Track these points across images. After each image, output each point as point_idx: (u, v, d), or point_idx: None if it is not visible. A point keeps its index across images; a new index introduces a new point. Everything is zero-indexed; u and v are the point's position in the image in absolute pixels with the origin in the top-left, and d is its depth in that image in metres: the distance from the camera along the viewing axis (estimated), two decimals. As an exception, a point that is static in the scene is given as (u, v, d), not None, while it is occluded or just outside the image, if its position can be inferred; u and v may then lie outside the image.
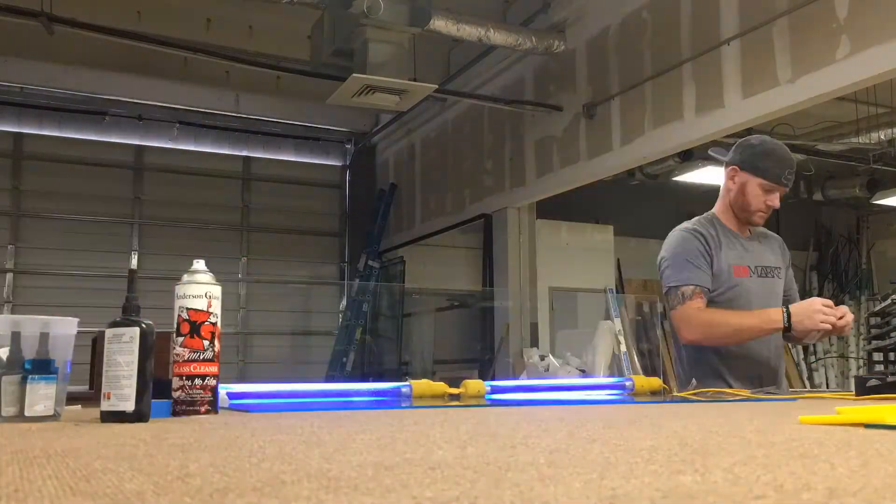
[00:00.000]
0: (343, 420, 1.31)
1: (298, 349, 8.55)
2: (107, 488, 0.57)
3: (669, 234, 2.47)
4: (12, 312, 7.47)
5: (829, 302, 2.25)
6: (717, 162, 2.60)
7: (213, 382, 1.37)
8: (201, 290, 1.36)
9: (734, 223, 2.47)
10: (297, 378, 8.07)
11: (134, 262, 7.90)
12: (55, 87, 7.43)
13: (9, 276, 7.52)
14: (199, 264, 1.38)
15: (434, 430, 1.07)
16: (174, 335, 1.36)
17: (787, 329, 2.23)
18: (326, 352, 8.41)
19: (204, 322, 1.36)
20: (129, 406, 1.23)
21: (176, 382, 1.36)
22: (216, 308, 1.38)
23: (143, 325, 1.27)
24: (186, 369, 1.35)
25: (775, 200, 2.39)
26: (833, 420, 1.14)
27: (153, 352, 1.28)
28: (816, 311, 2.21)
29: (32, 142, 7.77)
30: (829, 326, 2.20)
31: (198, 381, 1.35)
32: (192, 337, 1.35)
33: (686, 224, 2.48)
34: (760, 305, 2.33)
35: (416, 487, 0.56)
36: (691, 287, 2.31)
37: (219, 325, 1.38)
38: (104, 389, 1.26)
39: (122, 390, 1.24)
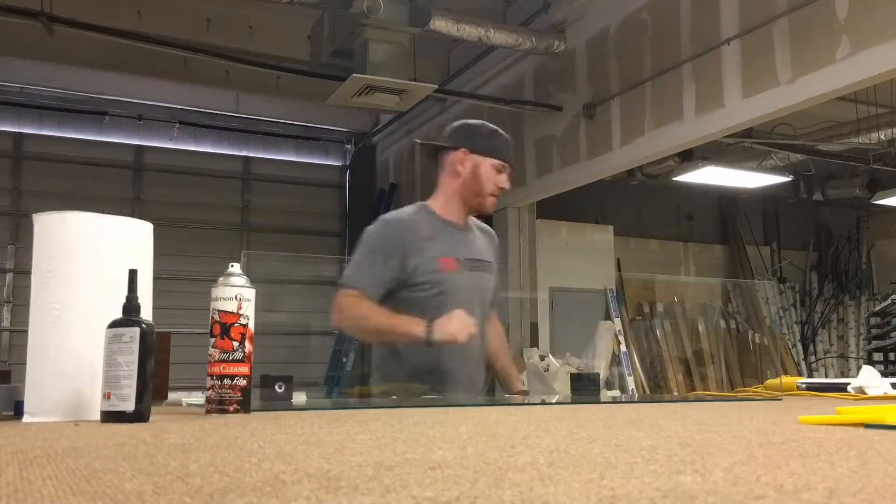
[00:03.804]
0: (343, 420, 1.31)
1: (298, 349, 8.53)
2: (107, 488, 0.57)
3: (376, 223, 2.35)
4: (12, 312, 7.48)
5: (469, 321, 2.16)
6: (426, 150, 2.49)
7: (242, 383, 1.41)
8: (232, 293, 1.41)
9: (456, 213, 2.36)
10: (298, 378, 8.09)
11: (134, 262, 7.89)
12: (55, 87, 7.42)
13: (9, 276, 7.52)
14: (234, 268, 1.43)
15: (434, 430, 1.07)
16: (209, 336, 1.42)
17: (429, 344, 2.13)
18: (326, 352, 8.41)
19: (234, 324, 1.40)
20: (129, 406, 1.23)
21: (208, 382, 1.41)
22: (247, 310, 1.42)
23: (143, 325, 1.27)
24: (217, 369, 1.40)
25: (505, 181, 2.39)
26: (833, 420, 1.14)
27: (153, 352, 1.28)
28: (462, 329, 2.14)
29: (32, 142, 7.77)
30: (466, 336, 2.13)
31: (227, 381, 1.40)
32: (222, 338, 1.40)
33: (392, 214, 2.40)
34: (469, 300, 2.25)
35: (416, 487, 0.56)
36: (353, 284, 2.25)
37: (250, 326, 1.42)
38: (104, 389, 1.26)
39: (122, 390, 1.24)
